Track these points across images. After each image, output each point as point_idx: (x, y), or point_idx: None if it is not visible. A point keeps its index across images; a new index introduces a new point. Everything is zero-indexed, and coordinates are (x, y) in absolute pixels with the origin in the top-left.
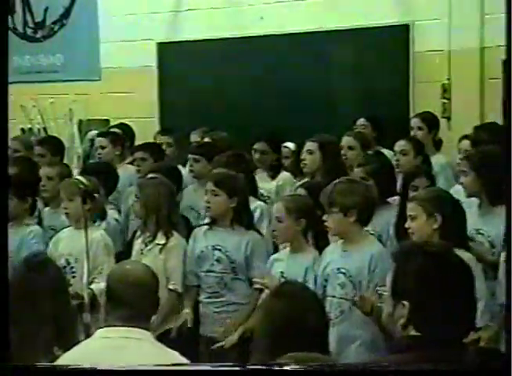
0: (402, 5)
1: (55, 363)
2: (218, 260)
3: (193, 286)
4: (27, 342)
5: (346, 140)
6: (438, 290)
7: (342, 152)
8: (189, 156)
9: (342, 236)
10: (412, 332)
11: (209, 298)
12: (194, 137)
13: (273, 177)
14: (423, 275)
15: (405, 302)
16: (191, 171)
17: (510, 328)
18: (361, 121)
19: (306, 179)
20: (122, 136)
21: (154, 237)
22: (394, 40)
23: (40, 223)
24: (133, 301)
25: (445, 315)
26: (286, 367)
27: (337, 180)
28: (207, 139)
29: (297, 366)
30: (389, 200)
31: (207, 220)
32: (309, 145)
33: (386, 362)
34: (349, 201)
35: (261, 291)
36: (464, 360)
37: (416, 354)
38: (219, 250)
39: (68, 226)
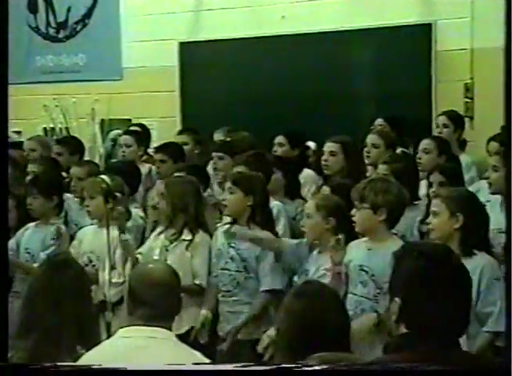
0: (425, 3)
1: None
2: (231, 258)
3: (213, 285)
4: (50, 341)
5: (371, 138)
6: (427, 289)
7: (366, 150)
8: (213, 154)
9: (367, 233)
10: (404, 330)
11: (223, 296)
12: (217, 136)
13: (295, 174)
14: (413, 273)
15: (397, 299)
16: (215, 169)
17: (510, 328)
18: (378, 121)
19: (330, 178)
20: (147, 136)
21: (180, 234)
22: (416, 39)
23: (66, 223)
24: (155, 301)
25: (434, 314)
26: (308, 368)
27: (371, 178)
28: (218, 141)
29: (322, 367)
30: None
31: (225, 218)
32: (331, 146)
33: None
34: (381, 200)
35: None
36: (455, 360)
37: (406, 353)
38: (233, 248)
39: (91, 224)
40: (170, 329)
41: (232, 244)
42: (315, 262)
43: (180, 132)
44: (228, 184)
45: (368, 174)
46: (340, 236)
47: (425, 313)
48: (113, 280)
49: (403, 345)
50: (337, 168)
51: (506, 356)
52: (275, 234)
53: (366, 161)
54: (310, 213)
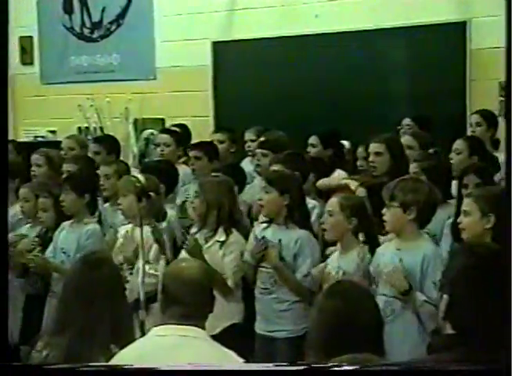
0: (459, 2)
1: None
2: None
3: (248, 283)
4: (84, 339)
5: (405, 139)
6: (475, 288)
7: None
8: (257, 150)
9: (397, 232)
10: (450, 330)
11: (261, 294)
12: (248, 135)
13: (327, 175)
14: (462, 272)
15: (445, 296)
16: (257, 165)
17: (510, 328)
18: (406, 120)
19: (363, 177)
20: (185, 136)
21: (214, 234)
22: (450, 37)
23: (100, 222)
24: (188, 300)
25: (480, 315)
26: (341, 368)
27: (402, 177)
28: (262, 138)
29: (352, 367)
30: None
31: (262, 218)
32: (376, 146)
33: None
34: (411, 199)
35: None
36: (498, 362)
37: (450, 354)
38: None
39: (125, 224)
40: (203, 328)
41: (270, 243)
42: (336, 262)
43: (216, 131)
44: (263, 183)
45: None
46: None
47: (471, 313)
48: (147, 279)
49: (447, 345)
50: (385, 168)
51: (506, 356)
52: (312, 232)
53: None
54: (333, 211)
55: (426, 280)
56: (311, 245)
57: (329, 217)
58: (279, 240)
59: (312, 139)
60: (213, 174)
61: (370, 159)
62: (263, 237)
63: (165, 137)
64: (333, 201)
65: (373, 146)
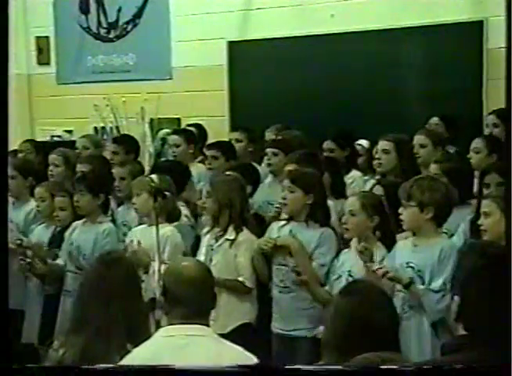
0: (475, 1)
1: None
2: (290, 253)
3: (263, 282)
4: (101, 338)
5: (418, 138)
6: (486, 289)
7: (414, 150)
8: (268, 150)
9: (414, 231)
10: (462, 331)
11: (280, 292)
12: (269, 135)
13: (342, 175)
14: (473, 272)
15: (456, 297)
16: (269, 165)
17: (510, 328)
18: (434, 119)
19: (379, 177)
20: (195, 135)
21: (225, 233)
22: (467, 37)
23: (113, 221)
24: (190, 299)
25: (493, 316)
26: (358, 368)
27: (419, 176)
28: (274, 137)
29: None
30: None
31: (283, 216)
32: (385, 144)
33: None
34: (427, 198)
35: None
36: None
37: (464, 355)
38: None
39: (140, 224)
40: (208, 325)
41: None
42: (355, 260)
43: (234, 129)
44: (286, 183)
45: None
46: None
47: (482, 313)
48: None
49: (460, 346)
50: (390, 166)
51: (506, 356)
52: (334, 231)
53: (417, 161)
54: (354, 211)
55: (439, 274)
56: (332, 242)
57: (351, 216)
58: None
59: (328, 144)
60: (226, 173)
61: (377, 156)
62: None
63: (175, 138)
64: (354, 200)
65: (381, 144)
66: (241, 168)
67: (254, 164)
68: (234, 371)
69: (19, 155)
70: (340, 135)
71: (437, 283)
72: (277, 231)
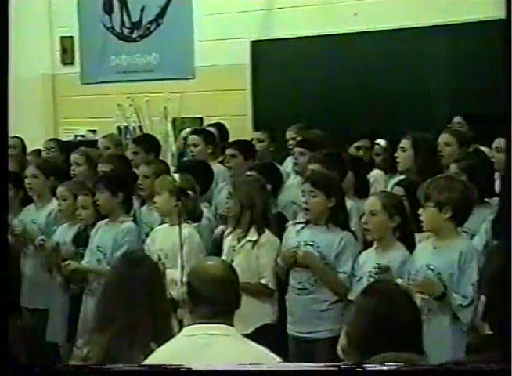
0: None
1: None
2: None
3: (282, 284)
4: (125, 337)
5: (443, 137)
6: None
7: (439, 149)
8: (295, 149)
9: (434, 232)
10: (488, 331)
11: (298, 295)
12: (290, 134)
13: (365, 174)
14: (498, 272)
15: (483, 297)
16: (295, 164)
17: (510, 327)
18: (457, 119)
19: (402, 177)
20: (214, 135)
21: (247, 234)
22: (493, 35)
23: (135, 221)
24: (214, 298)
25: None
26: (379, 367)
27: (437, 176)
28: (299, 137)
29: (390, 367)
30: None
31: (302, 219)
32: (402, 142)
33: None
34: (445, 198)
35: None
36: None
37: (489, 355)
38: (311, 245)
39: (162, 223)
40: (232, 325)
41: (311, 242)
42: (376, 260)
43: (255, 129)
44: (307, 187)
45: None
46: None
47: (507, 314)
48: (184, 278)
49: (484, 346)
50: (407, 164)
51: (506, 356)
52: (352, 232)
53: (442, 161)
54: (375, 211)
55: (463, 278)
56: (353, 246)
57: (372, 217)
58: (312, 243)
59: (364, 142)
60: (247, 173)
61: (395, 154)
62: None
63: (193, 138)
64: (374, 201)
65: (401, 142)
66: (262, 167)
67: (276, 164)
68: (255, 371)
69: (43, 154)
70: (373, 134)
71: (465, 292)
72: (296, 235)
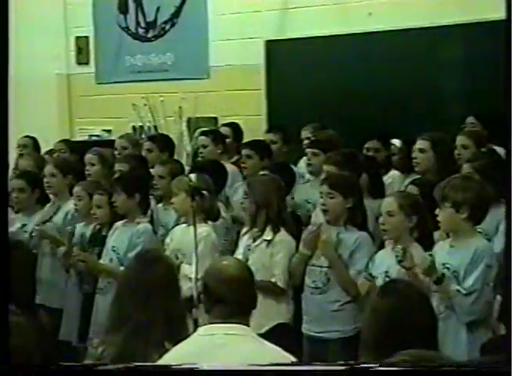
0: None
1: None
2: (322, 254)
3: (296, 284)
4: (139, 337)
5: (460, 139)
6: None
7: (456, 151)
8: (308, 150)
9: (452, 231)
10: (503, 331)
11: (312, 294)
12: (305, 133)
13: (380, 174)
14: None
15: (498, 296)
16: (309, 165)
17: (510, 327)
18: (470, 119)
19: (416, 176)
20: (225, 135)
21: (262, 233)
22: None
23: (152, 221)
24: (230, 298)
25: None
26: (394, 367)
27: (453, 176)
28: (313, 137)
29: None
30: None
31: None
32: (421, 143)
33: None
34: (462, 198)
35: None
36: None
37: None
38: None
39: (177, 223)
40: (248, 325)
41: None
42: (392, 260)
43: (268, 130)
44: (325, 188)
45: None
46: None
47: (507, 313)
48: (199, 277)
49: (499, 346)
50: (427, 165)
51: (506, 356)
52: (371, 235)
53: (459, 163)
54: (393, 211)
55: (470, 272)
56: (368, 246)
57: (390, 217)
58: (338, 234)
59: (374, 143)
60: (261, 172)
61: (413, 155)
62: (321, 224)
63: (202, 138)
64: (391, 201)
65: (418, 143)
66: (275, 167)
67: (289, 164)
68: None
69: (55, 155)
70: (384, 134)
71: (467, 284)
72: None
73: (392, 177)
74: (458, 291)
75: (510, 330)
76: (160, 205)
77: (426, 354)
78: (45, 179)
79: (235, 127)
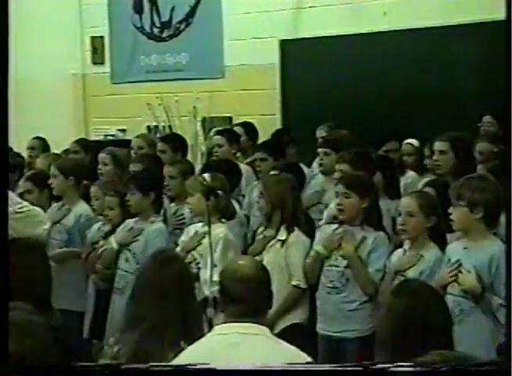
0: None
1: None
2: (342, 255)
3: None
4: (155, 336)
5: (480, 145)
6: None
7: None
8: (319, 150)
9: (465, 232)
10: None
11: (329, 293)
12: (320, 133)
13: (395, 174)
14: None
15: None
16: (320, 165)
17: (510, 327)
18: (487, 118)
19: (431, 177)
20: (239, 134)
21: (277, 233)
22: None
23: (165, 221)
24: (246, 297)
25: None
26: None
27: (469, 175)
28: (325, 137)
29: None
30: None
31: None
32: (441, 145)
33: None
34: (477, 198)
35: None
36: None
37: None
38: None
39: (191, 223)
40: (263, 325)
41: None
42: (408, 261)
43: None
44: (341, 188)
45: None
46: None
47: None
48: (214, 278)
49: None
50: (448, 166)
51: (506, 356)
52: (385, 232)
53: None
54: (413, 212)
55: (495, 281)
56: (386, 246)
57: (409, 217)
58: (353, 234)
59: (392, 144)
60: (271, 172)
61: (434, 157)
62: (344, 231)
63: (217, 138)
64: (410, 201)
65: (438, 145)
66: (286, 167)
67: (299, 164)
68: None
69: (70, 155)
70: (401, 135)
71: (502, 292)
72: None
73: (410, 177)
74: (501, 304)
75: (510, 330)
76: (172, 205)
77: (456, 354)
78: (50, 180)
79: (248, 126)
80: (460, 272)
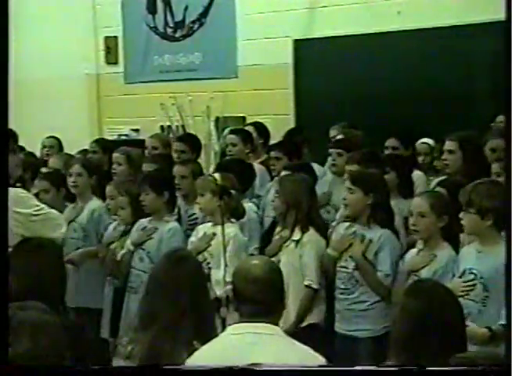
0: None
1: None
2: (351, 256)
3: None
4: (168, 335)
5: (491, 142)
6: None
7: (486, 154)
8: (332, 150)
9: (477, 236)
10: None
11: (341, 294)
12: (333, 132)
13: (406, 174)
14: None
15: None
16: (333, 165)
17: (510, 327)
18: (500, 117)
19: (442, 177)
20: (252, 135)
21: (292, 233)
22: None
23: (179, 220)
24: (257, 298)
25: None
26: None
27: (479, 180)
28: (339, 136)
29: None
30: None
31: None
32: (449, 144)
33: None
34: (487, 204)
35: None
36: None
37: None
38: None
39: (202, 223)
40: (277, 325)
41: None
42: (422, 261)
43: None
44: (347, 183)
45: None
46: None
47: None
48: (227, 278)
49: None
50: (456, 166)
51: (506, 356)
52: (395, 232)
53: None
54: (424, 212)
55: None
56: (392, 245)
57: (421, 218)
58: (363, 235)
59: (391, 142)
60: (282, 172)
61: (443, 157)
62: (354, 232)
63: (231, 137)
64: (422, 201)
65: (447, 144)
66: (296, 167)
67: (310, 164)
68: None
69: (89, 155)
70: (404, 133)
71: None
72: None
73: (416, 178)
74: (502, 324)
75: (511, 329)
76: (183, 203)
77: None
78: (71, 178)
79: (258, 126)
80: (472, 289)
